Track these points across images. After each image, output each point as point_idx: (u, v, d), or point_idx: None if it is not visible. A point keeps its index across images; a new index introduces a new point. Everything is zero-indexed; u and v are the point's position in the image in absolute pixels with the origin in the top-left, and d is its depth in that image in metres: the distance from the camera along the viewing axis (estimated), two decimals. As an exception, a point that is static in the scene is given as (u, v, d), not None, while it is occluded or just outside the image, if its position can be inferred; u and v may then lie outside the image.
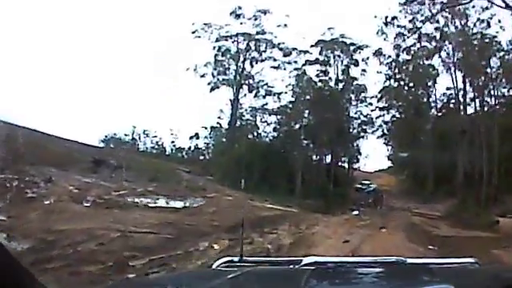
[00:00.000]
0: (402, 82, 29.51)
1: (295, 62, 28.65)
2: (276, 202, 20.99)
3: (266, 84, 28.90)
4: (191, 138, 28.18)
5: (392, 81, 29.50)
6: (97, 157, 22.08)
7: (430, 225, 20.33)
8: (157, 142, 28.80)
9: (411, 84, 29.33)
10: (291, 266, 2.04)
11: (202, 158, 29.59)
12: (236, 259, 2.17)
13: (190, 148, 28.95)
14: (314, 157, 28.97)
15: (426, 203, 25.23)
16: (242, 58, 29.85)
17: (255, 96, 29.01)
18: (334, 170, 28.34)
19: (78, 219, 12.54)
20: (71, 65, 31.53)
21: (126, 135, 27.34)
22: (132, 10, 35.92)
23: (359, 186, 29.63)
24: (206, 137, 29.23)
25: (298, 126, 28.50)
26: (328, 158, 29.37)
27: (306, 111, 28.70)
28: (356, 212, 26.12)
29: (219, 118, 28.79)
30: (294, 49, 28.47)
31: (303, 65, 28.83)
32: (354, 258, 2.57)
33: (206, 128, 28.82)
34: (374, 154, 30.65)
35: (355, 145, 29.89)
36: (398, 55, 28.33)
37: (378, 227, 18.92)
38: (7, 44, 26.31)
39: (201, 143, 29.35)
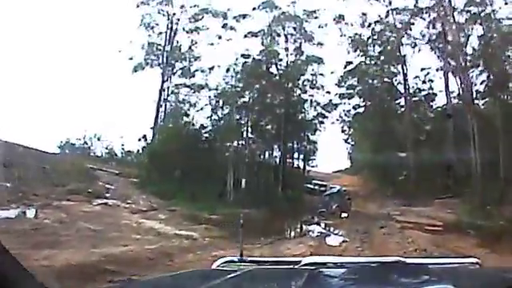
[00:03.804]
0: (367, 61, 23.87)
1: (232, 28, 22.61)
2: (184, 216, 14.02)
3: (198, 58, 22.85)
4: (139, 139, 24.94)
5: (356, 60, 23.87)
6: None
7: (450, 249, 12.51)
8: (107, 146, 26.11)
9: (379, 63, 23.75)
10: (291, 266, 2.02)
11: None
12: (236, 259, 2.19)
13: (138, 151, 25.96)
14: (258, 152, 22.74)
15: (407, 206, 19.45)
16: (169, 31, 23.77)
17: (184, 75, 22.89)
18: (284, 169, 22.19)
19: None
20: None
21: (78, 139, 25.39)
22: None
23: (315, 187, 23.41)
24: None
25: (237, 115, 22.46)
26: (277, 154, 23.30)
27: (248, 96, 22.72)
28: (317, 230, 19.41)
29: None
30: (229, 9, 22.41)
31: (245, 36, 22.84)
32: (353, 259, 2.35)
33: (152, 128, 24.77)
34: (331, 154, 24.95)
35: (311, 138, 23.89)
36: (363, 24, 22.70)
37: None
38: None
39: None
